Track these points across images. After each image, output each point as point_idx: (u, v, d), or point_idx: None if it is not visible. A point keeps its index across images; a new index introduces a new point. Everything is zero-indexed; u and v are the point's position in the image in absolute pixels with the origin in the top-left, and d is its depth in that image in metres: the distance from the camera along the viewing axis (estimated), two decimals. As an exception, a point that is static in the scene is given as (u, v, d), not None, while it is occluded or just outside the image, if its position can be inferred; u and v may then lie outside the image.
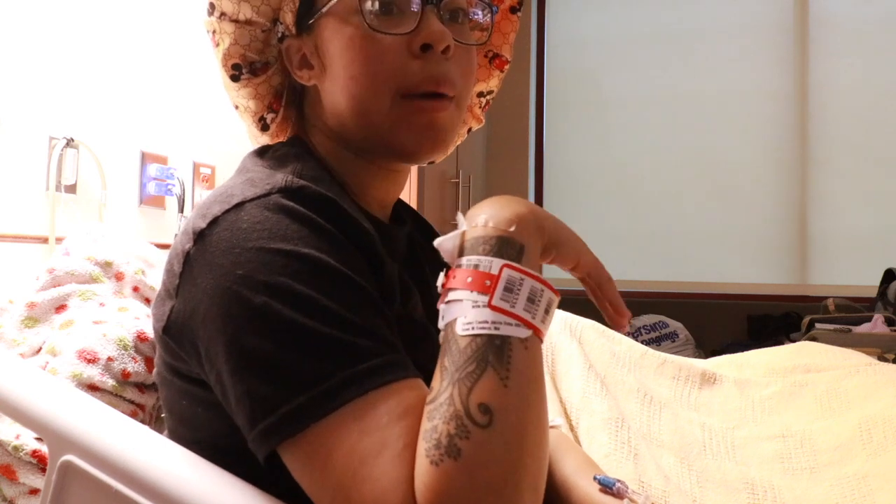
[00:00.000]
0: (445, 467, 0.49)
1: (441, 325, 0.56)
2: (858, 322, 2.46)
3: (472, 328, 0.52)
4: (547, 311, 0.56)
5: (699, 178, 3.64)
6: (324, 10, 0.69)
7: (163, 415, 0.98)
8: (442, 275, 0.58)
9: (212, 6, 0.76)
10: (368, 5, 0.66)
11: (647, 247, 3.71)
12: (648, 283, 3.69)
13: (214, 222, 0.59)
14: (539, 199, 3.93)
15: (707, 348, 3.16)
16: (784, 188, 3.52)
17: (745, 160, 3.57)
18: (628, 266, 3.73)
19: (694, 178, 3.64)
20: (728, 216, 3.58)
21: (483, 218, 0.58)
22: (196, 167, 1.94)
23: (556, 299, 0.57)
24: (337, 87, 0.69)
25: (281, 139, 0.82)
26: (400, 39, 0.66)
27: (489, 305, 0.53)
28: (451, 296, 0.55)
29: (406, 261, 0.77)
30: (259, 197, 0.59)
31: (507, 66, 0.86)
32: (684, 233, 3.65)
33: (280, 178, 0.62)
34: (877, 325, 2.39)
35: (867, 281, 3.02)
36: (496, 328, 0.52)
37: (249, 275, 0.55)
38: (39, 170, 1.50)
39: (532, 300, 0.54)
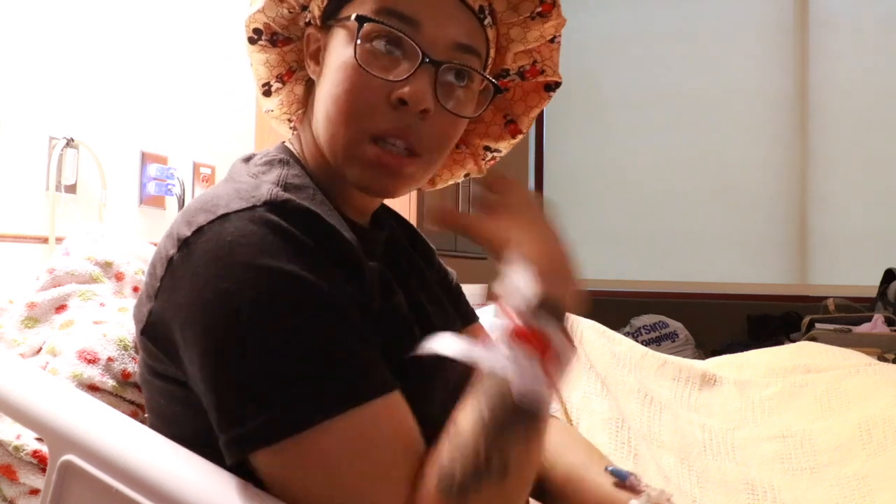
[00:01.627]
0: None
1: (486, 360, 0.58)
2: (858, 322, 2.46)
3: (530, 396, 0.55)
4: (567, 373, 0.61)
5: (699, 177, 3.64)
6: (340, 20, 0.70)
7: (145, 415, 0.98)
8: (505, 312, 0.59)
9: None
10: (368, 38, 0.67)
11: (647, 247, 3.71)
12: (648, 283, 3.69)
13: (199, 231, 0.60)
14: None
15: (707, 348, 3.16)
16: (784, 188, 3.52)
17: (745, 160, 3.57)
18: (628, 266, 3.73)
19: (694, 178, 3.65)
20: (728, 216, 3.58)
21: (559, 284, 0.61)
22: (196, 167, 1.94)
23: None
24: (321, 100, 0.71)
25: (286, 110, 0.84)
26: (385, 84, 0.66)
27: (552, 384, 0.57)
28: (517, 346, 0.57)
29: (385, 262, 0.77)
30: (244, 210, 0.60)
31: (520, 136, 0.86)
32: (684, 233, 3.65)
33: (265, 190, 0.62)
34: (877, 325, 2.39)
35: (867, 281, 3.02)
36: (539, 402, 0.56)
37: (230, 289, 0.56)
38: (39, 170, 1.50)
39: (567, 382, 0.61)
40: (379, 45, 0.66)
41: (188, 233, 0.60)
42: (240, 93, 2.06)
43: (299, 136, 0.77)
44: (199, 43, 1.92)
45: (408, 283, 0.78)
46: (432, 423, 0.66)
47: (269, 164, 0.70)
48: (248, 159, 0.73)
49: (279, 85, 0.81)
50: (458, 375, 0.83)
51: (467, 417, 0.56)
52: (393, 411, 0.58)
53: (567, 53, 0.88)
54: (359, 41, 0.66)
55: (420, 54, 0.66)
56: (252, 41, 0.78)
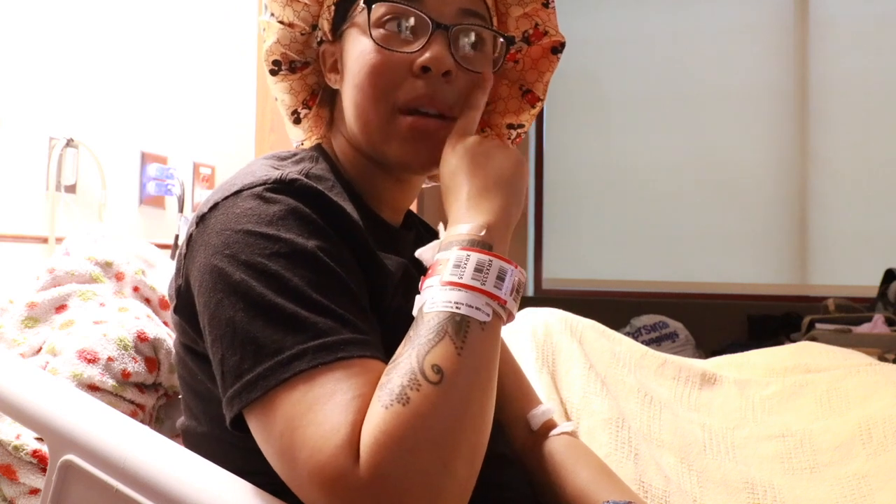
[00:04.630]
0: (394, 411, 0.53)
1: (414, 312, 0.61)
2: (859, 322, 2.46)
3: (437, 305, 0.58)
4: (517, 291, 0.61)
5: (699, 177, 3.64)
6: (349, 21, 0.75)
7: (161, 416, 0.98)
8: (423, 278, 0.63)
9: (265, 7, 0.82)
10: (379, 23, 0.72)
11: (647, 247, 3.71)
12: (648, 283, 3.69)
13: (215, 207, 0.65)
14: (539, 200, 3.93)
15: (707, 348, 3.16)
16: (784, 188, 3.52)
17: (745, 160, 3.57)
18: (628, 266, 3.73)
19: (694, 178, 3.64)
20: (728, 216, 3.58)
21: (459, 226, 0.64)
22: (196, 167, 1.94)
23: (524, 279, 0.62)
24: (347, 95, 0.75)
25: (314, 134, 0.87)
26: (405, 58, 0.71)
27: (471, 288, 0.59)
28: (424, 285, 0.61)
29: (411, 262, 0.79)
30: (255, 186, 0.64)
31: (538, 104, 0.89)
32: (684, 233, 3.65)
33: (278, 172, 0.66)
34: (877, 325, 2.39)
35: (867, 281, 3.02)
36: (457, 307, 0.58)
37: (234, 254, 0.61)
38: (39, 170, 1.50)
39: (501, 278, 0.60)
40: (391, 26, 0.71)
41: (206, 210, 0.66)
42: (240, 93, 2.07)
43: (331, 142, 0.82)
44: (199, 43, 1.92)
45: None
46: None
47: (300, 159, 0.74)
48: (274, 155, 0.76)
49: (306, 110, 0.85)
50: None
51: (400, 346, 0.59)
52: (369, 366, 0.59)
53: (567, 53, 0.89)
54: (372, 23, 0.71)
55: (430, 22, 0.71)
56: (273, 73, 0.83)
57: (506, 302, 0.59)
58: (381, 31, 0.71)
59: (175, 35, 1.86)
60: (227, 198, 0.64)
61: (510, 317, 0.61)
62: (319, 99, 0.85)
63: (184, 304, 0.67)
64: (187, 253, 0.67)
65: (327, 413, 0.54)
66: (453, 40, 0.72)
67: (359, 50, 0.73)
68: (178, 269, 0.69)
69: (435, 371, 0.55)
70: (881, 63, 3.38)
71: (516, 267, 0.61)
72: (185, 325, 0.68)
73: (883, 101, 3.36)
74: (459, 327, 0.57)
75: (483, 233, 0.62)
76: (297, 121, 0.86)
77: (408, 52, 0.71)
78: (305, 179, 0.65)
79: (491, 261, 0.60)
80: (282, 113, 0.88)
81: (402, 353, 0.57)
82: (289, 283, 0.59)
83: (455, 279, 0.59)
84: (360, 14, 0.73)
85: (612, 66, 3.79)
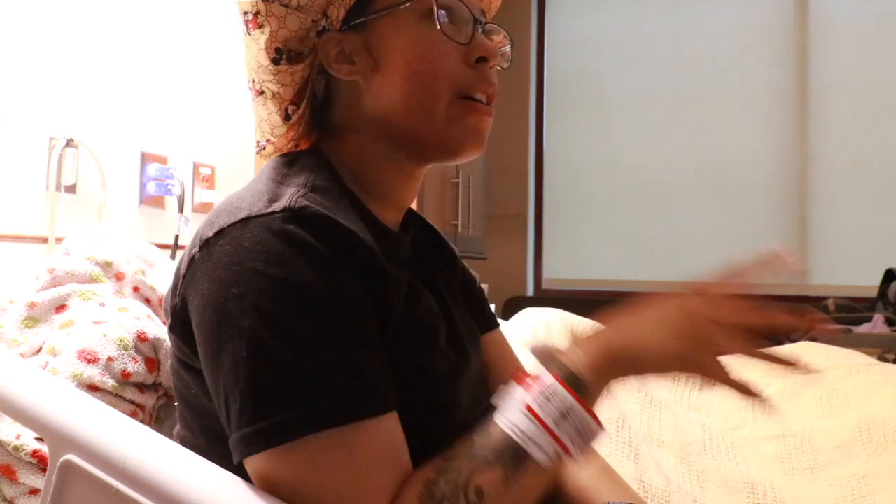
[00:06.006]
0: None
1: (493, 400, 0.63)
2: (859, 322, 2.46)
3: (509, 425, 0.59)
4: (587, 442, 0.61)
5: (699, 178, 3.64)
6: (385, 10, 0.73)
7: (161, 416, 0.98)
8: (535, 367, 0.64)
9: None
10: (441, 14, 0.73)
11: (648, 247, 3.71)
12: (648, 283, 3.69)
13: (220, 233, 0.62)
14: (539, 200, 3.94)
15: (707, 348, 3.15)
16: (784, 188, 3.52)
17: (745, 160, 3.56)
18: (628, 266, 3.73)
19: (694, 178, 3.64)
20: (728, 216, 3.58)
21: (578, 349, 0.64)
22: (196, 167, 1.94)
23: (600, 432, 0.61)
24: (393, 83, 0.73)
25: (291, 136, 0.83)
26: (459, 48, 0.73)
27: (547, 429, 0.59)
28: (511, 390, 0.62)
29: (411, 266, 0.78)
30: (263, 215, 0.62)
31: None
32: (684, 233, 3.65)
33: (286, 195, 0.64)
34: (877, 325, 2.39)
35: (867, 281, 3.02)
36: (525, 442, 0.59)
37: (243, 295, 0.59)
38: (39, 170, 1.50)
39: (579, 431, 0.60)
40: (442, 16, 0.73)
41: (210, 234, 0.63)
42: (240, 93, 2.07)
43: (333, 143, 0.78)
44: (199, 43, 1.92)
45: (434, 285, 0.79)
46: (460, 430, 0.66)
47: (300, 169, 0.71)
48: (277, 163, 0.74)
49: (294, 107, 0.80)
50: (477, 381, 0.82)
51: (463, 441, 0.60)
52: (387, 431, 0.60)
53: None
54: (436, 15, 0.72)
55: (473, 18, 0.74)
56: (276, 62, 0.76)
57: (571, 453, 0.60)
58: (442, 22, 0.73)
59: (175, 35, 1.86)
60: (233, 224, 0.62)
61: (571, 461, 0.61)
62: (308, 95, 0.80)
63: (179, 324, 0.66)
64: (187, 274, 0.65)
65: (361, 478, 0.57)
66: (486, 35, 0.76)
67: (412, 39, 0.72)
68: (174, 288, 0.68)
69: (477, 494, 0.57)
70: (881, 63, 3.38)
71: (598, 422, 0.61)
72: (180, 343, 0.67)
73: (883, 101, 3.36)
74: (518, 460, 0.58)
75: (587, 373, 0.62)
76: (287, 117, 0.81)
77: (463, 43, 0.73)
78: (315, 207, 0.63)
79: (576, 408, 0.60)
80: (270, 108, 0.81)
81: (459, 453, 0.59)
82: (300, 337, 0.58)
83: (537, 410, 0.59)
84: (405, 2, 0.72)
85: (612, 66, 3.79)
